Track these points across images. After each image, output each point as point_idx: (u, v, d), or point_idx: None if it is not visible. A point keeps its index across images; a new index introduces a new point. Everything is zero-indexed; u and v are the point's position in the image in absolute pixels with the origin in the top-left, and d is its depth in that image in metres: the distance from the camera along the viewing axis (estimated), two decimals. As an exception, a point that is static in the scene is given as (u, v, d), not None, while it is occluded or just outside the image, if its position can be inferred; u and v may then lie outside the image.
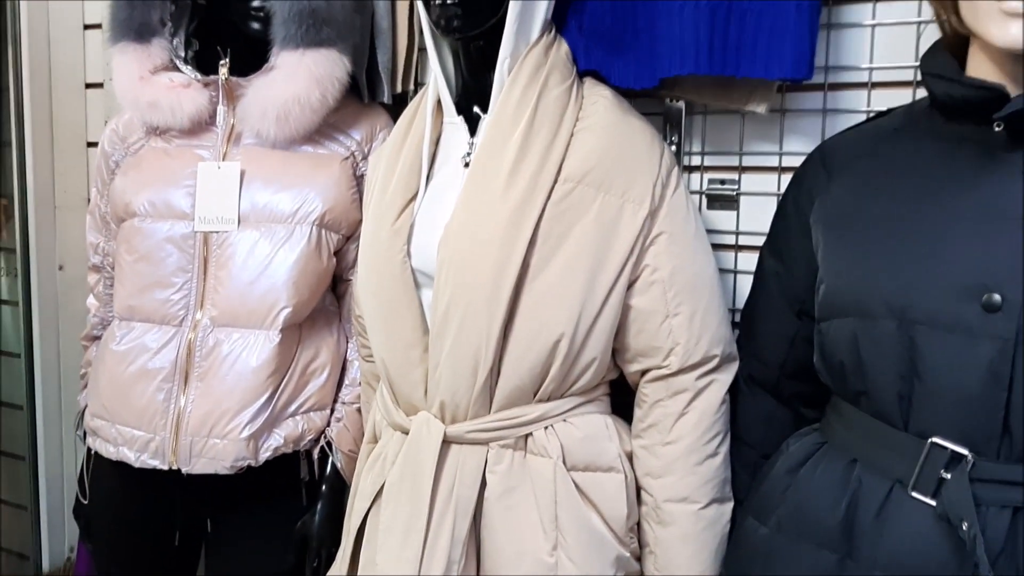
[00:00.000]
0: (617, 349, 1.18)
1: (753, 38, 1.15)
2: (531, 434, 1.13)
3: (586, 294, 1.10)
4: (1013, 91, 0.91)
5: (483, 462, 1.13)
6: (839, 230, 1.02)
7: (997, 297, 0.85)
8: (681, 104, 1.33)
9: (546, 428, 1.14)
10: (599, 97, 1.19)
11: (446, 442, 1.13)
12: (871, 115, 1.13)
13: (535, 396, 1.13)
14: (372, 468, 1.23)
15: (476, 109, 1.21)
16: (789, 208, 1.12)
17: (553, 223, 1.10)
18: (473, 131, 1.21)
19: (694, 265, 1.17)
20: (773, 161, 1.31)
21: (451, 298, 1.11)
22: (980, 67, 0.95)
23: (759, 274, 1.19)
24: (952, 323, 0.87)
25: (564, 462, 1.13)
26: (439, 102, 1.24)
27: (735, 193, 1.33)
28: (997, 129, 0.91)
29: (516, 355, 1.11)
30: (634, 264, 1.13)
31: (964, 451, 0.87)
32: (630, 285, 1.14)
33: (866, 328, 0.94)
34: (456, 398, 1.12)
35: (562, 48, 1.21)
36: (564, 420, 1.15)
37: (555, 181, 1.12)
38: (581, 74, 1.23)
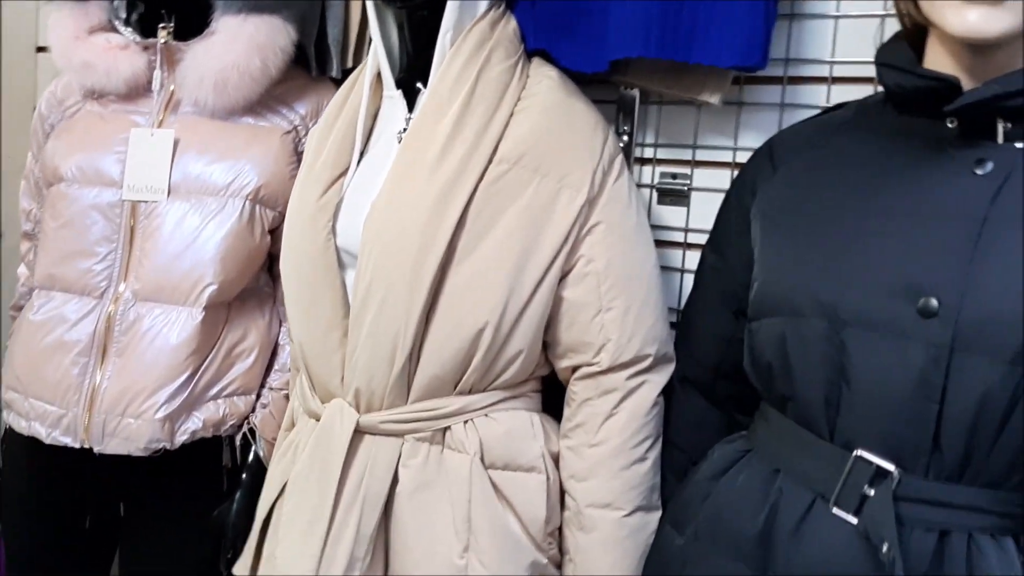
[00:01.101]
0: (548, 343, 1.12)
1: (705, 23, 1.08)
2: (449, 428, 1.07)
3: (515, 282, 1.04)
4: (968, 84, 0.85)
5: (396, 455, 1.06)
6: (776, 224, 0.96)
7: (934, 302, 0.79)
8: (635, 92, 1.27)
9: (465, 422, 1.07)
10: (544, 77, 1.13)
11: (359, 432, 1.06)
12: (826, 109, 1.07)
13: (455, 388, 1.07)
14: (284, 456, 1.16)
15: (418, 84, 1.15)
16: (732, 201, 1.06)
17: (484, 205, 1.04)
18: (412, 106, 1.15)
19: (632, 258, 1.11)
20: (727, 156, 1.25)
21: (372, 279, 1.05)
22: (937, 59, 0.89)
23: (699, 270, 1.12)
24: (884, 325, 0.81)
25: (482, 459, 1.06)
26: (380, 75, 1.18)
27: (686, 188, 1.27)
28: (950, 125, 0.85)
29: (437, 342, 1.04)
30: (568, 253, 1.07)
31: (890, 466, 0.81)
32: (563, 276, 1.08)
33: (795, 327, 0.87)
34: (372, 385, 1.06)
35: (510, 24, 1.15)
36: (486, 415, 1.08)
37: (489, 161, 1.06)
38: (530, 53, 1.17)
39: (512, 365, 1.07)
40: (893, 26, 1.07)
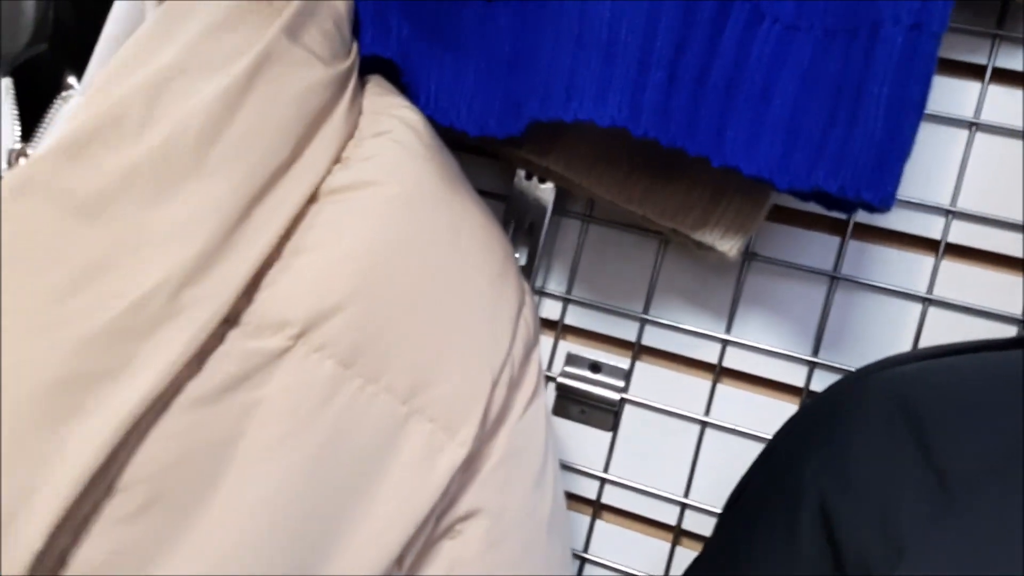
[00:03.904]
0: None
1: (786, 94, 0.46)
2: None
3: None
4: None
5: None
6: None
7: None
8: (547, 191, 0.62)
9: None
10: (396, 124, 0.46)
11: None
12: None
13: None
14: None
15: (71, 77, 0.46)
16: (799, 532, 0.43)
17: (196, 433, 0.36)
18: (33, 122, 0.45)
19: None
20: (706, 351, 0.63)
21: None
22: None
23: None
24: None
25: None
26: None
27: (617, 400, 0.64)
28: None
29: None
30: None
31: None
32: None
33: None
34: None
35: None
36: None
37: (229, 321, 0.38)
38: (363, 64, 0.49)
39: None
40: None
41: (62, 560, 0.33)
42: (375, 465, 0.39)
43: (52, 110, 0.45)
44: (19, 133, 0.46)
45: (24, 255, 0.35)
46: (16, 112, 0.46)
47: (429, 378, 0.41)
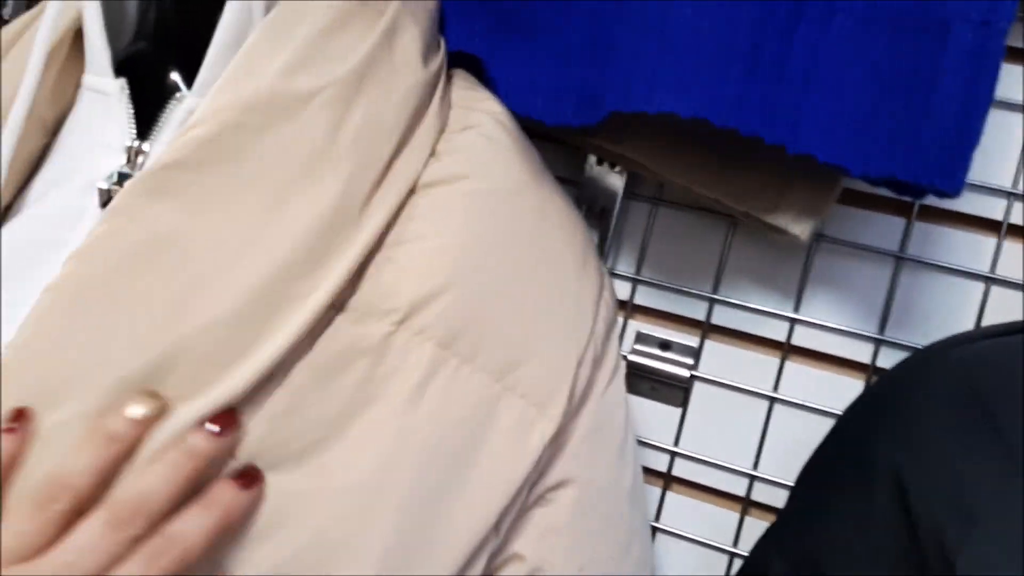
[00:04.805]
0: None
1: (860, 84, 0.48)
2: None
3: None
4: None
5: None
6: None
7: None
8: (618, 176, 0.65)
9: None
10: (484, 118, 0.49)
11: None
12: None
13: None
14: None
15: (174, 75, 0.50)
16: (877, 499, 0.46)
17: (306, 403, 0.40)
18: (148, 119, 0.49)
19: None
20: (774, 330, 0.65)
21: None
22: None
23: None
24: None
25: None
26: (78, 38, 0.50)
27: (687, 377, 0.66)
28: None
29: None
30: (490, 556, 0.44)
31: None
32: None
33: None
34: None
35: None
36: None
37: (336, 307, 0.41)
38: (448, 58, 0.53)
39: None
40: None
41: None
42: (473, 439, 0.42)
43: (167, 111, 0.49)
44: (135, 131, 0.50)
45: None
46: (132, 111, 0.50)
47: (520, 358, 0.44)
